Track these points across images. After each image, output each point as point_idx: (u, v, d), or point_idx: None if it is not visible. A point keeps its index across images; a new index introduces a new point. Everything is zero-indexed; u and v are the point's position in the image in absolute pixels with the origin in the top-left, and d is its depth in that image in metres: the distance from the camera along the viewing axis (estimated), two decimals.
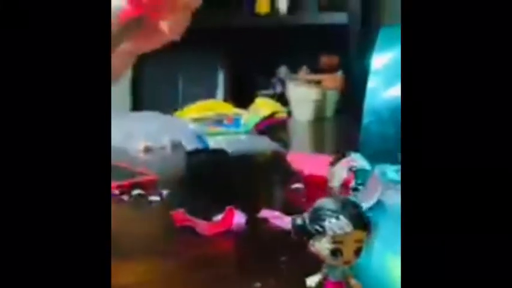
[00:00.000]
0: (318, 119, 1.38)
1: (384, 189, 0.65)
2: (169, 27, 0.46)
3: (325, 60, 1.74)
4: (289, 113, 1.34)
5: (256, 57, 1.75)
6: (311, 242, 0.34)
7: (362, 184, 0.67)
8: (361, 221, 0.33)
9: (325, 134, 1.37)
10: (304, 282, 0.38)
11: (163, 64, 1.48)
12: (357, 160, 0.67)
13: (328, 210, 0.33)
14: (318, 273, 0.35)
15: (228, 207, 0.56)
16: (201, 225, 0.55)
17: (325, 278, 0.35)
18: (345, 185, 0.68)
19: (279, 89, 1.79)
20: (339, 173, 0.65)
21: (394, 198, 0.64)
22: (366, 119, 0.79)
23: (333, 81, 1.48)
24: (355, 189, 0.68)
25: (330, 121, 1.42)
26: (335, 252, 0.33)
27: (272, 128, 1.23)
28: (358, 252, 0.34)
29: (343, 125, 1.35)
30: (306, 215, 0.34)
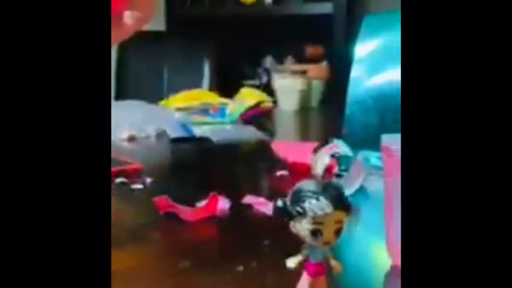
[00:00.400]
0: (303, 109, 1.38)
1: (367, 175, 0.66)
2: (134, 18, 0.45)
3: (310, 50, 1.74)
4: (275, 103, 1.34)
5: (242, 47, 1.74)
6: (292, 223, 0.34)
7: (345, 170, 0.68)
8: (341, 202, 0.34)
9: (310, 123, 1.38)
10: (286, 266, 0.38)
11: (148, 53, 1.46)
12: (339, 146, 0.68)
13: (309, 191, 0.34)
14: (298, 255, 0.36)
15: (211, 193, 0.57)
16: (185, 211, 0.56)
17: (305, 259, 0.36)
18: (328, 171, 0.68)
19: (264, 79, 1.79)
20: (322, 160, 0.66)
21: (376, 185, 0.65)
22: (349, 108, 0.79)
23: (318, 71, 1.48)
24: (338, 176, 0.69)
25: (315, 111, 1.43)
26: (315, 233, 0.34)
27: (257, 117, 1.23)
28: (338, 233, 0.34)
29: (328, 115, 1.35)
30: (287, 197, 0.35)
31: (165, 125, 1.05)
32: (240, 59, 1.81)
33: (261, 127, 1.11)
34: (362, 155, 0.68)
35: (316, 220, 0.33)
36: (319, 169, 0.66)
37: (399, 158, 0.42)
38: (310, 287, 0.36)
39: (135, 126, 1.02)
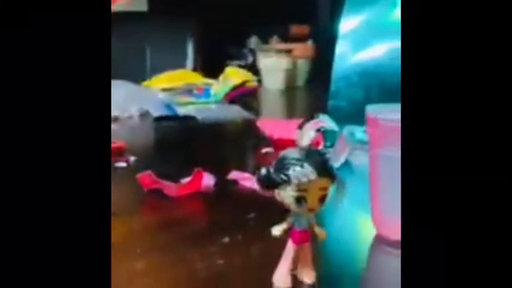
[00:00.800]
0: (289, 88, 1.38)
1: (352, 150, 0.66)
2: None
3: (295, 29, 1.73)
4: (260, 82, 1.33)
5: (226, 26, 1.72)
6: (276, 191, 0.34)
7: (331, 146, 0.67)
8: (325, 169, 0.34)
9: (296, 102, 1.38)
10: (271, 236, 0.38)
11: (130, 34, 1.44)
12: (325, 121, 0.68)
13: (293, 159, 0.34)
14: (283, 223, 0.35)
15: (196, 169, 0.56)
16: (169, 187, 0.55)
17: (290, 227, 0.36)
18: (313, 146, 0.68)
19: (250, 60, 1.77)
20: (307, 134, 0.65)
21: (361, 159, 0.65)
22: (334, 84, 0.79)
23: (304, 50, 1.47)
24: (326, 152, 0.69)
25: (301, 90, 1.42)
26: (299, 200, 0.33)
27: (243, 97, 1.22)
28: (322, 199, 0.34)
29: (314, 94, 1.35)
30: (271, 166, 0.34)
31: (148, 105, 1.03)
32: (225, 39, 1.79)
33: (246, 106, 1.10)
34: (347, 129, 0.68)
35: (300, 187, 0.33)
36: (305, 143, 0.66)
37: (385, 127, 0.43)
38: (295, 254, 0.36)
39: (118, 106, 1.01)
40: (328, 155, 0.35)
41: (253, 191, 0.56)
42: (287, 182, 0.33)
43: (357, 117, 0.70)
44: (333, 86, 0.78)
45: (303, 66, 1.42)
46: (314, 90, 1.39)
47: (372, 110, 0.46)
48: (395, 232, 0.41)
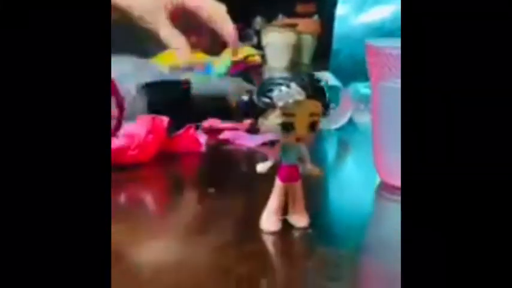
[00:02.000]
0: (294, 65, 1.33)
1: (355, 108, 0.62)
2: None
3: (301, 8, 1.68)
4: (263, 57, 1.29)
5: (231, 8, 1.68)
6: (260, 120, 0.30)
7: (335, 103, 0.63)
8: (316, 90, 0.29)
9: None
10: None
11: None
12: (328, 77, 0.63)
13: (278, 78, 0.29)
14: (270, 159, 0.31)
15: (187, 125, 0.52)
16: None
17: (277, 163, 0.31)
18: None
19: (254, 40, 1.72)
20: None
21: (364, 117, 0.61)
22: (336, 43, 0.75)
23: (309, 25, 1.42)
24: (328, 114, 0.64)
25: (307, 67, 1.37)
26: (286, 127, 0.29)
27: (246, 73, 1.18)
28: (312, 126, 0.29)
29: (319, 71, 1.30)
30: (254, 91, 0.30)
31: (146, 79, 0.99)
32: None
33: (248, 80, 1.06)
34: (351, 86, 0.63)
35: (286, 111, 0.29)
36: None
37: (387, 56, 0.38)
38: (283, 194, 0.31)
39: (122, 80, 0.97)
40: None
41: (249, 149, 0.52)
42: (271, 105, 0.29)
43: (360, 75, 0.66)
44: (334, 46, 0.74)
45: (308, 41, 1.37)
46: (320, 67, 1.33)
47: (371, 42, 0.42)
48: (396, 177, 0.37)
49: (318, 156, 0.51)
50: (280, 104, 0.28)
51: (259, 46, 1.55)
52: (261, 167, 0.31)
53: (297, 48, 1.35)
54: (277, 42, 1.30)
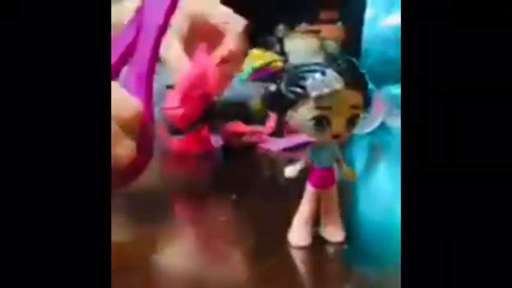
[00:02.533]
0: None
1: (387, 111, 0.57)
2: None
3: (324, 15, 1.64)
4: (286, 63, 1.25)
5: (254, 14, 1.65)
6: (289, 113, 0.25)
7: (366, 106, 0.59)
8: (356, 77, 0.24)
9: None
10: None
11: None
12: None
13: (312, 64, 0.25)
14: (300, 161, 0.27)
15: (201, 125, 0.48)
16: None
17: (308, 166, 0.27)
18: None
19: (277, 48, 1.69)
20: None
21: (397, 121, 0.56)
22: (365, 45, 0.71)
23: (333, 31, 1.38)
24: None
25: None
26: (320, 121, 0.24)
27: (268, 79, 1.14)
28: (352, 122, 0.25)
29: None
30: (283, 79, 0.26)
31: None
32: (251, 28, 1.72)
33: None
34: (382, 89, 0.59)
35: (321, 103, 0.24)
36: None
37: None
38: (315, 203, 0.27)
39: None
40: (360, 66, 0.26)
41: (272, 154, 0.48)
42: (303, 96, 0.24)
43: (392, 76, 0.61)
44: (364, 45, 0.69)
45: (332, 47, 1.32)
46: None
47: None
48: None
49: (346, 163, 0.46)
50: (314, 94, 0.24)
51: (282, 53, 1.51)
52: (290, 171, 0.26)
53: (319, 54, 1.30)
54: (300, 48, 1.25)
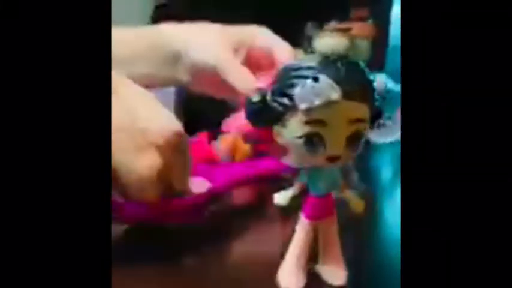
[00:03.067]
0: None
1: None
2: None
3: (354, 13, 1.57)
4: None
5: (283, 11, 1.60)
6: (275, 129, 0.20)
7: (389, 117, 0.53)
8: (360, 84, 0.19)
9: None
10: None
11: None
12: (383, 81, 0.54)
13: (302, 68, 0.20)
14: (293, 186, 0.22)
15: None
16: None
17: (303, 192, 0.22)
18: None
19: (306, 46, 1.64)
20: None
21: None
22: (393, 41, 0.66)
23: (363, 28, 1.31)
24: (381, 125, 0.54)
25: None
26: (310, 140, 0.19)
27: None
28: (353, 140, 0.20)
29: (373, 75, 1.19)
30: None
31: None
32: (281, 26, 1.67)
33: None
34: None
35: (312, 117, 0.19)
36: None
37: None
38: (310, 236, 0.22)
39: None
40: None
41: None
42: (290, 108, 0.19)
43: None
44: (391, 42, 0.64)
45: (363, 45, 1.26)
46: (373, 70, 1.23)
47: None
48: None
49: (366, 177, 0.41)
50: (303, 106, 0.19)
51: (310, 52, 1.46)
52: (280, 198, 0.22)
53: (350, 53, 1.25)
54: (329, 46, 1.20)
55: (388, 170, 0.47)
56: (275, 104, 0.20)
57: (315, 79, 0.19)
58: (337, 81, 0.19)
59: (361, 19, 1.55)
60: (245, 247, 0.27)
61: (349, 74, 0.19)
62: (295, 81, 0.19)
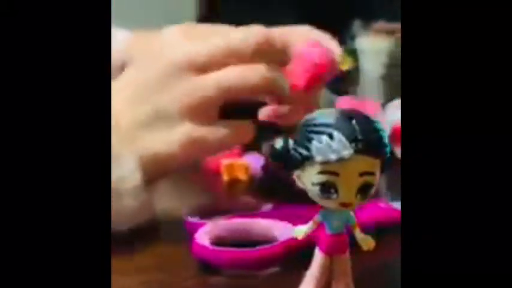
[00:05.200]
0: (391, 73, 1.22)
1: None
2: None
3: None
4: (358, 64, 1.19)
5: (327, 9, 1.59)
6: (296, 173, 0.23)
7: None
8: (370, 144, 0.22)
9: (399, 87, 1.21)
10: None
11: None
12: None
13: (320, 125, 0.22)
14: (310, 222, 0.24)
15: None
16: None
17: (319, 229, 0.24)
18: (399, 132, 0.54)
19: (350, 45, 1.63)
20: (390, 116, 0.52)
21: None
22: None
23: None
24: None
25: None
26: (326, 188, 0.22)
27: (336, 81, 1.10)
28: (364, 190, 0.22)
29: None
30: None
31: None
32: (324, 23, 1.66)
33: (337, 91, 0.98)
34: None
35: (327, 168, 0.22)
36: (385, 128, 0.52)
37: None
38: (325, 270, 0.24)
39: None
40: (381, 126, 0.23)
41: None
42: (308, 158, 0.22)
43: None
44: None
45: None
46: None
47: None
48: None
49: (398, 195, 0.42)
50: (319, 159, 0.21)
51: (353, 52, 1.45)
52: (298, 232, 0.24)
53: (394, 55, 1.24)
54: (372, 48, 1.20)
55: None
56: (294, 152, 0.22)
57: (331, 136, 0.21)
58: (350, 140, 0.21)
59: None
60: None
61: (362, 132, 0.22)
62: (312, 135, 0.22)
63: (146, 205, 0.33)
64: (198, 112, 0.34)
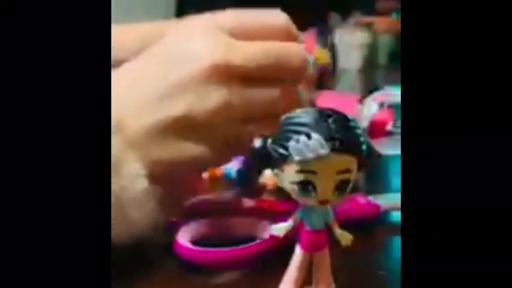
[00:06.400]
0: (369, 67, 1.23)
1: None
2: None
3: (381, 4, 1.56)
4: (334, 60, 1.20)
5: (305, 3, 1.60)
6: (275, 172, 0.23)
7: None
8: (346, 142, 0.22)
9: (376, 82, 1.22)
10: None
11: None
12: (393, 94, 0.55)
13: (297, 124, 0.22)
14: (289, 220, 0.25)
15: None
16: None
17: (299, 226, 0.25)
18: (378, 126, 0.55)
19: (330, 40, 1.64)
20: (368, 109, 0.53)
21: None
22: None
23: (386, 23, 1.31)
24: (392, 133, 0.56)
25: (383, 69, 1.27)
26: (305, 186, 0.22)
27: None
28: (341, 187, 0.23)
29: (397, 72, 1.19)
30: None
31: None
32: (304, 16, 1.67)
33: (318, 86, 0.98)
34: None
35: (305, 167, 0.22)
36: (363, 121, 0.53)
37: None
38: (305, 266, 0.25)
39: None
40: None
41: None
42: (286, 158, 0.22)
43: None
44: None
45: (384, 41, 1.26)
46: (398, 69, 1.22)
47: None
48: None
49: (377, 189, 0.43)
50: (297, 158, 0.22)
51: (331, 46, 1.46)
52: (277, 229, 0.25)
53: (372, 49, 1.25)
54: (349, 42, 1.21)
55: (397, 182, 0.49)
56: (273, 152, 0.23)
57: (308, 136, 0.22)
58: (327, 139, 0.22)
59: (387, 12, 1.54)
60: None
61: (339, 131, 0.22)
62: (290, 134, 0.22)
63: (151, 215, 0.28)
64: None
